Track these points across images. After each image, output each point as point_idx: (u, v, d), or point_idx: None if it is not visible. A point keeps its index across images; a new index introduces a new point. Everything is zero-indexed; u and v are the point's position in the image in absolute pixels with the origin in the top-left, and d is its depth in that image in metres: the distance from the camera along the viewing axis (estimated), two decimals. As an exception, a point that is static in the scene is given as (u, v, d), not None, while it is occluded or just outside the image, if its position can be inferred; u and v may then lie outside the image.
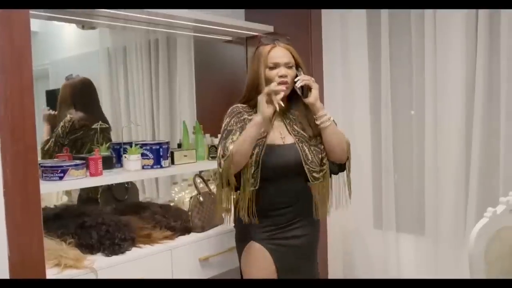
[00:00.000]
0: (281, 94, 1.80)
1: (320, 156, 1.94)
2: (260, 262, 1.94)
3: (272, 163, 1.88)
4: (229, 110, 1.99)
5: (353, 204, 2.13)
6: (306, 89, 1.89)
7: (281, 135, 1.94)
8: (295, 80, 1.90)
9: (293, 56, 1.93)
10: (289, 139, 1.93)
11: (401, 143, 2.59)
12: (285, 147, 1.92)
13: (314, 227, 2.05)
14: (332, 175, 2.05)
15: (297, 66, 1.94)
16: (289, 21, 2.83)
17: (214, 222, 2.39)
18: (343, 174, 2.06)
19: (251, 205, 1.88)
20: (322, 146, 1.95)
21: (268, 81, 1.88)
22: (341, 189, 2.06)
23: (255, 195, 1.88)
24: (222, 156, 1.83)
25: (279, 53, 1.90)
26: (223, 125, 1.95)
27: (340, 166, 2.03)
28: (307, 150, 1.92)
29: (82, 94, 2.61)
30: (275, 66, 1.90)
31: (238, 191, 1.92)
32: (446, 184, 2.38)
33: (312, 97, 1.87)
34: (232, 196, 1.93)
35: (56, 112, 2.56)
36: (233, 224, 2.06)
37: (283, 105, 1.82)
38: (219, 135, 1.97)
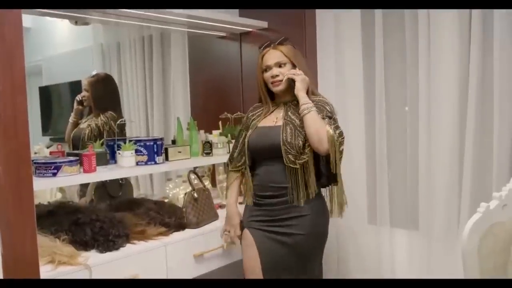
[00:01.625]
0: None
1: (301, 141, 1.98)
2: (249, 249, 2.05)
3: (256, 142, 2.07)
4: None
5: (347, 200, 2.14)
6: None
7: (276, 119, 2.08)
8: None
9: (286, 55, 2.06)
10: (280, 123, 2.05)
11: (395, 140, 2.60)
12: (272, 128, 2.05)
13: (315, 228, 2.05)
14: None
15: (294, 64, 2.07)
16: (283, 19, 2.83)
17: (209, 218, 2.39)
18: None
19: (247, 182, 2.11)
20: None
21: (265, 82, 2.09)
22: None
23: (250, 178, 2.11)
24: (227, 165, 2.27)
25: (270, 56, 2.07)
26: None
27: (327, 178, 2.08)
28: (289, 132, 2.00)
29: (111, 90, 2.69)
30: (268, 68, 2.07)
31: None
32: (439, 180, 2.39)
33: (295, 89, 2.02)
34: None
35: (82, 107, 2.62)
36: None
37: (235, 243, 2.16)
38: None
